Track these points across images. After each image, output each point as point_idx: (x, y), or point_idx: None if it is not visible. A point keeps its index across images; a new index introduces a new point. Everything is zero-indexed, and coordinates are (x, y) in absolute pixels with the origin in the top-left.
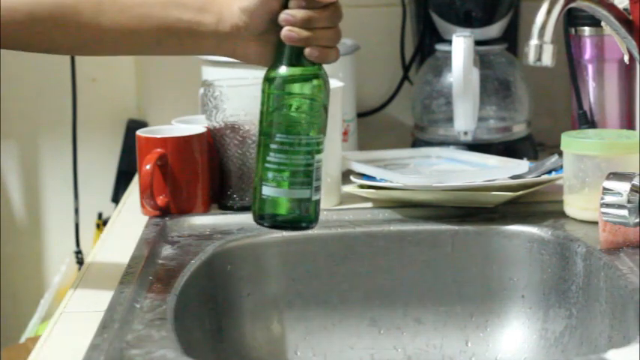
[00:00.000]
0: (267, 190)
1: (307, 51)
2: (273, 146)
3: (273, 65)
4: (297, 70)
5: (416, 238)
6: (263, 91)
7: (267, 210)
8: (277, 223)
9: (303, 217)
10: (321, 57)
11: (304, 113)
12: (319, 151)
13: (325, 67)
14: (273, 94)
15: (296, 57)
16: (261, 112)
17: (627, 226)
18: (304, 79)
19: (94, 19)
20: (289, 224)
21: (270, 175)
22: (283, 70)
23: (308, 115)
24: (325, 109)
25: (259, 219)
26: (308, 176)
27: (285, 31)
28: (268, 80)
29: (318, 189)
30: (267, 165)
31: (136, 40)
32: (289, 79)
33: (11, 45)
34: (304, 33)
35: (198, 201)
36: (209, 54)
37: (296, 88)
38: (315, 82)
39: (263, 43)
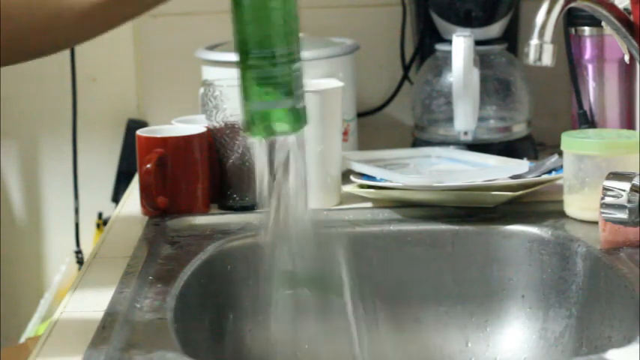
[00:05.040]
0: (252, 106)
1: None
2: (250, 62)
3: None
4: None
5: (416, 238)
6: (233, 11)
7: (257, 124)
8: (268, 134)
9: (291, 125)
10: None
11: (277, 24)
12: (296, 60)
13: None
14: (244, 6)
15: None
16: (235, 31)
17: (627, 226)
18: None
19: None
20: (279, 133)
21: (252, 90)
22: None
23: (280, 25)
24: (296, 17)
25: (251, 133)
26: (288, 86)
27: None
28: None
29: (300, 97)
30: (247, 81)
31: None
32: None
33: None
34: None
35: (198, 201)
36: None
37: None
38: None
39: None
